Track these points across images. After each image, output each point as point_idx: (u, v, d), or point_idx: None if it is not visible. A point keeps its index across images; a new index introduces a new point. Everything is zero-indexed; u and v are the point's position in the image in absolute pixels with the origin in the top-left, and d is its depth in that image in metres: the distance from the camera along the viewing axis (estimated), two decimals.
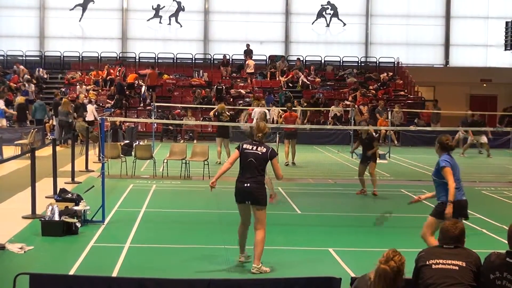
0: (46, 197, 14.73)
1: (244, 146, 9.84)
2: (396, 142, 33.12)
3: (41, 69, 39.85)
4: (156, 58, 42.12)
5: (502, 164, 25.07)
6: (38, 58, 42.12)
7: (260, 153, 9.68)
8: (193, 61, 42.71)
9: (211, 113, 25.59)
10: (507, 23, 42.72)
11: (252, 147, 9.76)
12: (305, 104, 35.97)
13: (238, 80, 40.49)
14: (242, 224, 10.04)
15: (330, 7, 44.30)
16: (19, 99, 32.42)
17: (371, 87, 40.32)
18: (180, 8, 43.68)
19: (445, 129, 27.93)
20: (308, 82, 39.92)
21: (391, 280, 5.81)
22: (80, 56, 41.95)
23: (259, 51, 42.30)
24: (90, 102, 33.68)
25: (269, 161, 9.73)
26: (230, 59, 42.13)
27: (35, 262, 10.05)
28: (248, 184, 9.67)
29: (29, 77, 37.80)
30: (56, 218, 11.71)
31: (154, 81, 37.81)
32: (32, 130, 25.44)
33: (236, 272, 9.70)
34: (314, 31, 44.63)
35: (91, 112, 30.81)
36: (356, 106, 35.52)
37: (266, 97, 37.52)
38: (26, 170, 14.70)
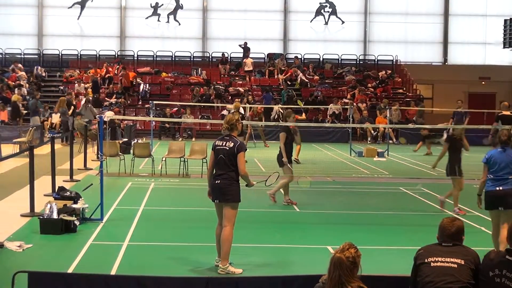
0: (45, 195, 14.71)
1: (216, 142, 9.69)
2: (394, 139, 33.12)
3: (39, 67, 39.82)
4: (155, 56, 42.14)
5: None
6: (37, 56, 42.13)
7: (227, 148, 9.47)
8: (192, 59, 42.69)
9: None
10: (505, 20, 42.70)
11: (222, 143, 9.56)
12: (252, 100, 35.87)
13: (237, 78, 40.49)
14: (219, 224, 9.73)
15: (328, 5, 44.31)
16: (14, 97, 32.62)
17: (369, 85, 40.35)
18: (178, 6, 43.67)
19: (447, 126, 28.02)
20: (307, 80, 39.93)
21: (347, 269, 5.86)
22: (79, 54, 41.94)
23: (258, 49, 42.27)
24: (110, 106, 33.63)
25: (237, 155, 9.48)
26: (229, 57, 42.12)
27: (33, 260, 10.04)
28: (219, 181, 9.51)
29: (24, 78, 37.88)
30: (55, 216, 11.70)
31: (129, 83, 37.80)
32: (31, 128, 25.45)
33: None
34: (312, 29, 44.62)
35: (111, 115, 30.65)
36: (354, 104, 35.53)
37: (264, 95, 37.52)
38: (25, 168, 14.69)
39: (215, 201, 9.62)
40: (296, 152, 24.02)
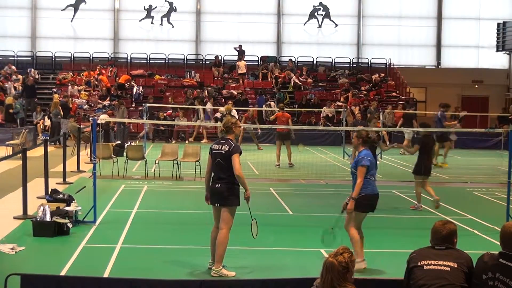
0: (38, 198, 14.69)
1: (213, 146, 9.68)
2: (388, 143, 33.10)
3: (32, 70, 39.71)
4: (148, 58, 42.09)
5: (493, 165, 25.11)
6: (30, 59, 41.96)
7: (223, 152, 9.46)
8: (185, 62, 42.66)
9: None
10: (498, 24, 42.86)
11: (219, 147, 9.56)
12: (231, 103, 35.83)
13: (230, 81, 40.47)
14: (215, 227, 9.75)
15: (322, 8, 44.32)
16: (7, 99, 32.58)
17: (363, 88, 40.38)
18: (172, 9, 43.62)
19: (437, 130, 28.08)
20: (300, 83, 39.94)
21: (339, 274, 5.88)
22: (72, 57, 41.85)
23: (251, 52, 42.27)
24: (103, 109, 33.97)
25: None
26: (222, 60, 42.11)
27: (26, 262, 10.02)
28: (219, 185, 9.51)
29: (17, 77, 37.93)
30: (48, 218, 11.68)
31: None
32: (24, 131, 25.39)
33: None
34: (306, 32, 44.64)
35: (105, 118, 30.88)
36: (347, 107, 35.56)
37: (257, 98, 37.52)
38: (18, 171, 14.67)
39: (215, 204, 9.60)
40: (288, 157, 23.66)
